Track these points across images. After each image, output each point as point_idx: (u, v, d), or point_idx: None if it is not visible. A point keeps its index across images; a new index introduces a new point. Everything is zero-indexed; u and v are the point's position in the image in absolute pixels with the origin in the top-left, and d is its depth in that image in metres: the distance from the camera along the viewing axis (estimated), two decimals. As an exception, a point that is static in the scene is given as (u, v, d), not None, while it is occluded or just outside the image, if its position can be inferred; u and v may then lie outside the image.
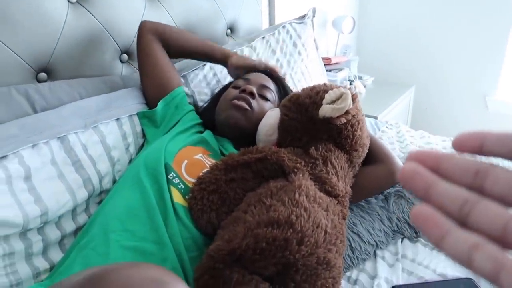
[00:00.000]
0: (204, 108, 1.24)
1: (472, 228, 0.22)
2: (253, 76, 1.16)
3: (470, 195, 0.23)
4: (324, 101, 0.88)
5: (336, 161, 0.88)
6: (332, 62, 2.35)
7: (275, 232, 0.65)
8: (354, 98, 0.90)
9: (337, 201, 0.81)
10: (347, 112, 0.87)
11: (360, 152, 0.96)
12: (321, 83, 0.98)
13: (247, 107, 1.05)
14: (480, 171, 0.23)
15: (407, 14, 2.71)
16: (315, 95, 0.92)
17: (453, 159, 0.24)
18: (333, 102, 0.88)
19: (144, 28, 1.15)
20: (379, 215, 1.07)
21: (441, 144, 1.63)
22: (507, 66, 2.49)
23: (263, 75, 1.19)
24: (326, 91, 0.91)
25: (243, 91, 1.08)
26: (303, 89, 0.99)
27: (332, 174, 0.86)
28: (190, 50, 1.21)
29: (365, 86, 2.49)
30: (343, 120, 0.87)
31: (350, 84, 2.37)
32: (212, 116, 1.15)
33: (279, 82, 1.21)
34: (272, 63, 1.56)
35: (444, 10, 2.57)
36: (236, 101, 1.06)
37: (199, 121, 1.14)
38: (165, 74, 1.14)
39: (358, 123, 0.93)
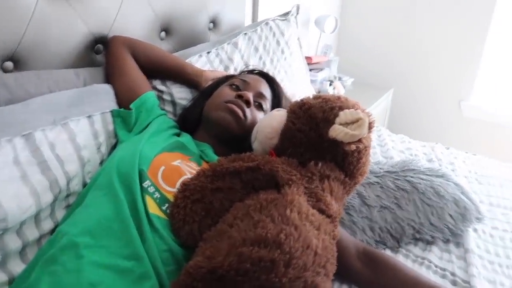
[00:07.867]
0: (190, 106, 1.18)
1: None
2: (252, 80, 1.11)
3: None
4: (338, 120, 0.80)
5: (333, 182, 0.82)
6: (313, 61, 2.32)
7: (261, 252, 0.60)
8: (371, 126, 0.82)
9: (329, 221, 0.77)
10: (359, 140, 0.80)
11: (359, 179, 0.89)
12: (336, 94, 0.89)
13: (242, 116, 1.00)
14: None
15: (387, 17, 2.73)
16: (329, 110, 0.83)
17: None
18: (347, 124, 0.79)
19: (116, 41, 1.15)
20: (360, 225, 1.04)
21: (421, 149, 1.62)
22: (483, 71, 2.54)
23: (262, 79, 1.13)
24: (341, 108, 0.82)
25: (240, 97, 1.03)
26: (315, 98, 0.89)
27: (327, 192, 0.80)
28: (161, 63, 1.20)
29: (344, 87, 2.48)
30: (353, 147, 0.80)
31: (330, 85, 2.35)
32: (197, 115, 1.09)
33: (276, 89, 1.15)
34: (255, 60, 1.51)
35: (423, 15, 2.60)
36: (231, 106, 1.00)
37: (173, 124, 1.08)
38: (135, 78, 1.11)
39: (366, 150, 0.85)
